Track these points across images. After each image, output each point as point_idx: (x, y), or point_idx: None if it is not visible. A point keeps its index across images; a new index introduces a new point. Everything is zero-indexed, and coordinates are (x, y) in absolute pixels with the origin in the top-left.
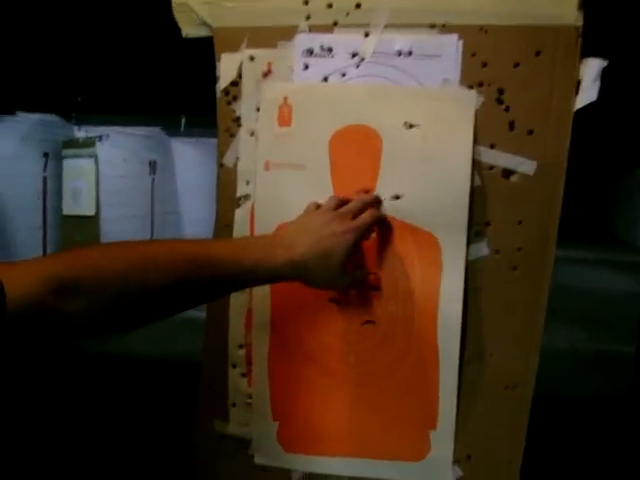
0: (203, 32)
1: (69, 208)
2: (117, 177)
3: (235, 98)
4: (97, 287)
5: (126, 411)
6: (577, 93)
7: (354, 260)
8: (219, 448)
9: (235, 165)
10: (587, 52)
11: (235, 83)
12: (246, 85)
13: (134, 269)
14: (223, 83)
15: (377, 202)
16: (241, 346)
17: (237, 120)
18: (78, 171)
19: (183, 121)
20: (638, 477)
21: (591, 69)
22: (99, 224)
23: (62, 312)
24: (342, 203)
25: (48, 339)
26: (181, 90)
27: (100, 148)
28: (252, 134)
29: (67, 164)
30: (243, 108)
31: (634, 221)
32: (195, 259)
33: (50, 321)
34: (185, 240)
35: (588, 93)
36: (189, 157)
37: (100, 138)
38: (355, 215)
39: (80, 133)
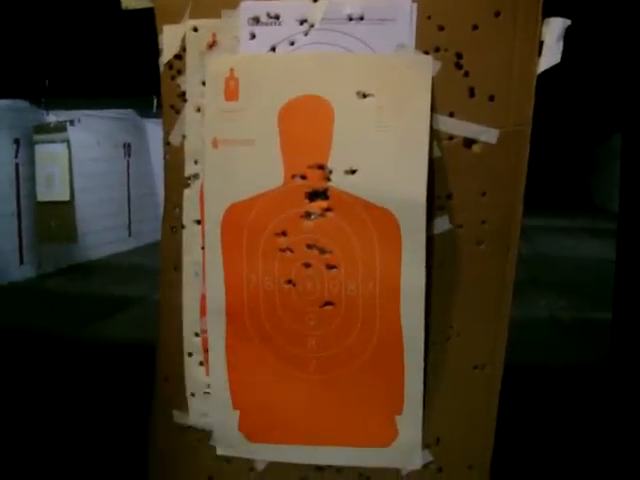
0: (143, 3)
1: (43, 194)
2: (91, 161)
3: (179, 72)
4: None
5: (105, 397)
6: (540, 55)
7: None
8: (179, 440)
9: (182, 143)
10: (550, 11)
11: (179, 56)
12: (190, 58)
13: None
14: (166, 56)
15: None
16: (197, 334)
17: (182, 95)
18: (51, 156)
19: (155, 102)
20: (619, 443)
21: (553, 29)
22: (74, 209)
23: None
24: None
25: None
26: (151, 70)
27: (72, 132)
28: (198, 110)
29: (39, 149)
30: (188, 82)
31: (610, 188)
32: None
33: None
34: None
35: (551, 55)
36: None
37: (72, 122)
38: None
39: (51, 118)
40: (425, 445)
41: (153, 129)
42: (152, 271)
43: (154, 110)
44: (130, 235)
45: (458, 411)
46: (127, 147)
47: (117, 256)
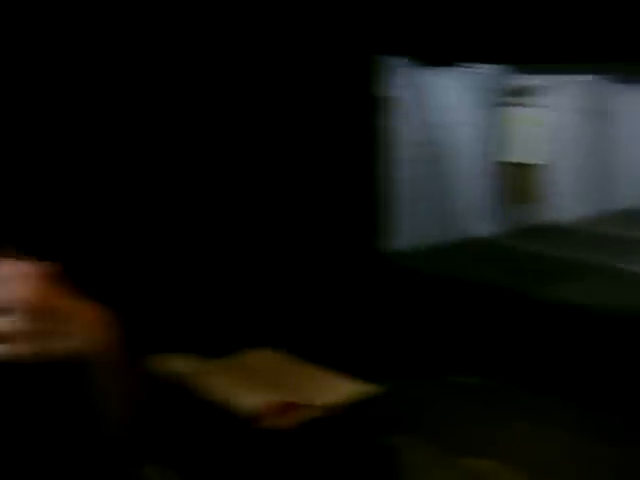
0: None
1: (510, 155)
2: (564, 126)
3: None
4: None
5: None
6: None
7: None
8: None
9: None
10: None
11: None
12: None
13: None
14: None
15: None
16: None
17: None
18: (521, 119)
19: (630, 68)
20: None
21: None
22: (542, 172)
23: None
24: None
25: None
26: (622, 33)
27: (543, 97)
28: None
29: (509, 112)
30: None
31: None
32: None
33: None
34: None
35: None
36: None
37: (542, 87)
38: None
39: (521, 82)
40: None
41: (628, 96)
42: (614, 240)
43: (631, 76)
44: (597, 201)
45: None
46: (600, 113)
47: (581, 221)
